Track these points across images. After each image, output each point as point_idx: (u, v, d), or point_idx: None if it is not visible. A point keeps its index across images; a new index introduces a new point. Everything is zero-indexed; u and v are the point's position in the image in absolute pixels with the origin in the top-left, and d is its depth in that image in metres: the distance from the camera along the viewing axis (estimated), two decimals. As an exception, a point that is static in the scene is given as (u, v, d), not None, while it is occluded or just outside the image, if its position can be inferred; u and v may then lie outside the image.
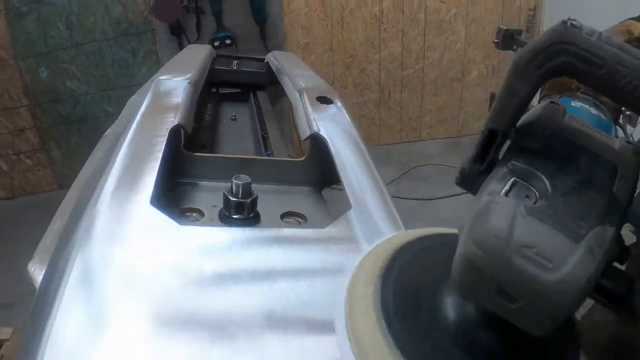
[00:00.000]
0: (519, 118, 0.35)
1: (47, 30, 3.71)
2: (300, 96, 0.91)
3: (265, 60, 1.66)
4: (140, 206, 0.53)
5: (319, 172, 0.80)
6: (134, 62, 3.89)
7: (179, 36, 3.63)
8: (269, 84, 1.70)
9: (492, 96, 2.56)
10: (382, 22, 4.33)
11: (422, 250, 0.39)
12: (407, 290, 0.35)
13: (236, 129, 1.42)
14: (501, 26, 3.16)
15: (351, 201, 0.59)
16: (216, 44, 3.50)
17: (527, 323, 0.28)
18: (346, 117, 0.83)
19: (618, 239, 0.30)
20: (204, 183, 0.78)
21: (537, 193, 0.32)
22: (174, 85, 0.86)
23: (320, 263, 0.48)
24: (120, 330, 0.39)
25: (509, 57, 4.01)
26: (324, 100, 0.89)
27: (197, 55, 1.27)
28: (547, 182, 0.33)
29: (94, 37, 3.76)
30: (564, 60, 0.32)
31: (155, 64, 3.88)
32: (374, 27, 4.32)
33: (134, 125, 0.71)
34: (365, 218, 0.58)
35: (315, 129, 0.77)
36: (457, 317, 0.33)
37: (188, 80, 0.90)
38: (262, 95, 1.69)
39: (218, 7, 3.50)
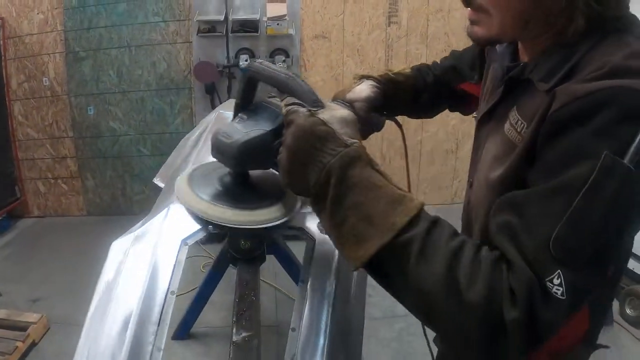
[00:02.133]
0: (243, 98, 1.02)
1: (99, 75, 4.56)
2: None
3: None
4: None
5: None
6: (171, 113, 4.69)
7: (212, 95, 4.44)
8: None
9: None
10: (386, 100, 5.14)
11: (202, 167, 1.16)
12: (200, 177, 1.10)
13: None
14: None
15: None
16: (243, 105, 4.23)
17: (225, 162, 0.99)
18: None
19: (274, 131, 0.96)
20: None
21: (241, 119, 0.98)
22: (228, 115, 1.69)
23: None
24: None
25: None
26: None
27: (236, 104, 2.14)
28: (246, 117, 0.98)
29: (139, 87, 4.60)
30: (250, 74, 0.98)
31: (189, 117, 4.69)
32: (378, 103, 5.12)
33: (208, 128, 1.52)
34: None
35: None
36: (218, 174, 1.08)
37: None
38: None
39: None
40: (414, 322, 3.13)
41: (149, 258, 0.96)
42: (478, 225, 0.97)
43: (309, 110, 0.86)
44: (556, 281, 0.71)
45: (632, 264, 3.74)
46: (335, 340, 0.95)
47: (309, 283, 0.99)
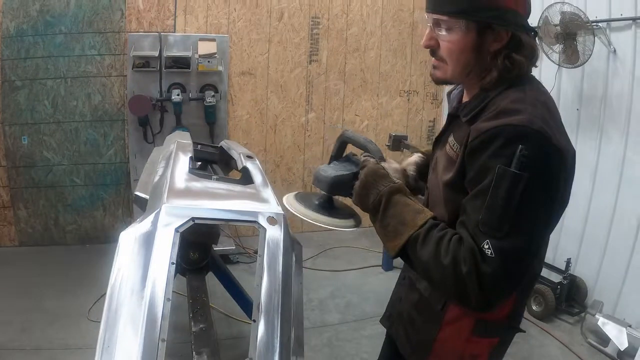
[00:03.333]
0: (336, 152, 1.62)
1: (35, 105, 4.77)
2: (239, 155, 2.22)
3: (219, 145, 2.95)
4: (183, 171, 1.80)
5: (247, 182, 2.08)
6: (104, 144, 4.98)
7: (145, 127, 4.77)
8: (219, 160, 2.96)
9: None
10: (307, 130, 5.76)
11: (303, 193, 1.65)
12: (301, 197, 1.59)
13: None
14: (391, 133, 4.82)
15: (255, 181, 1.88)
16: (175, 136, 4.54)
17: (322, 188, 1.53)
18: (258, 163, 2.13)
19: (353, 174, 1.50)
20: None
21: (335, 164, 1.57)
22: (187, 144, 2.16)
23: (236, 188, 1.76)
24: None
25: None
26: (249, 157, 2.19)
27: (186, 135, 2.58)
28: (338, 164, 1.56)
29: (73, 118, 4.87)
30: (343, 138, 1.61)
31: (122, 148, 5.00)
32: (300, 134, 5.73)
33: (174, 155, 1.98)
34: (260, 188, 1.86)
35: (244, 165, 2.06)
36: (317, 196, 1.60)
37: (190, 142, 2.19)
38: (215, 166, 2.96)
39: (179, 108, 4.71)
40: (342, 330, 3.72)
41: (152, 243, 1.41)
42: (437, 212, 1.46)
43: (377, 161, 1.46)
44: (486, 246, 1.19)
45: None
46: (285, 299, 1.45)
47: (264, 258, 1.47)
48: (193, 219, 1.48)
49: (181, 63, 4.79)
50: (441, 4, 1.36)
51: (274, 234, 1.56)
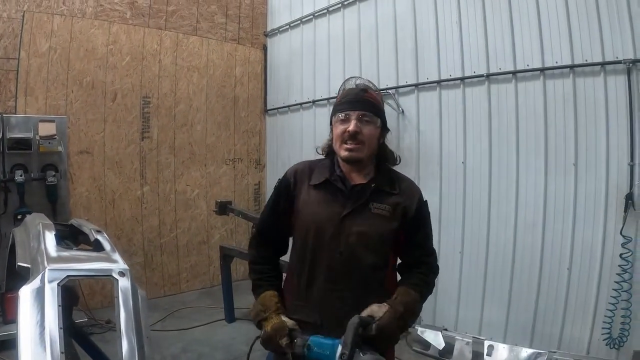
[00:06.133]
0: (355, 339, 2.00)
1: None
2: (90, 230, 3.15)
3: (70, 223, 3.80)
4: (53, 244, 2.70)
5: (99, 250, 2.99)
6: None
7: None
8: (69, 236, 3.79)
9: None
10: (143, 203, 6.62)
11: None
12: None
13: (57, 251, 3.54)
14: (217, 200, 5.80)
15: (106, 248, 2.83)
16: (19, 217, 4.98)
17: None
18: (106, 235, 3.07)
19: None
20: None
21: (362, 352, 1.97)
22: (49, 224, 3.05)
23: (93, 254, 2.71)
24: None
25: (242, 223, 6.72)
26: (98, 231, 3.13)
27: (44, 216, 3.46)
28: (362, 352, 1.97)
29: None
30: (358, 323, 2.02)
31: None
32: (137, 207, 6.56)
33: (42, 234, 2.87)
34: (110, 253, 2.81)
35: (96, 237, 3.00)
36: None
37: (51, 223, 3.09)
38: (67, 241, 3.80)
39: (22, 189, 5.26)
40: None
41: (43, 293, 2.30)
42: (369, 261, 2.27)
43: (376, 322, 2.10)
44: (436, 254, 2.45)
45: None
46: (137, 324, 2.38)
47: (120, 298, 2.42)
48: (68, 275, 2.38)
49: (23, 144, 5.33)
50: (369, 107, 2.28)
51: (124, 283, 2.50)
